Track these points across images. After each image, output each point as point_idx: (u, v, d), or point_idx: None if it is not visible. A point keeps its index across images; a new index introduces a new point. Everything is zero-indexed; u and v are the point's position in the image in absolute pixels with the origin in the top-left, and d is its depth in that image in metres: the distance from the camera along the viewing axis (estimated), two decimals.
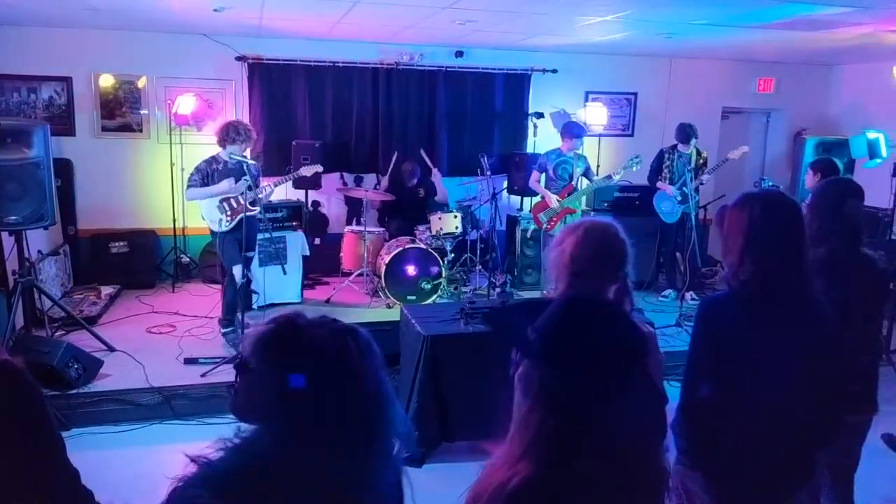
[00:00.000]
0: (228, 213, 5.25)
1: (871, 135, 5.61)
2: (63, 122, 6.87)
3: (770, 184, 6.14)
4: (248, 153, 5.57)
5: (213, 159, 5.30)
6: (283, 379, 1.12)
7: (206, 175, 5.24)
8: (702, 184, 6.71)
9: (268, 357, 1.17)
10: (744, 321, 2.05)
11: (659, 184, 6.90)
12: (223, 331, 5.51)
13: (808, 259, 2.03)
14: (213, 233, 5.42)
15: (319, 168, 6.10)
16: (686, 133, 6.75)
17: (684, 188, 6.62)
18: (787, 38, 6.18)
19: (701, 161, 6.87)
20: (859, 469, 3.14)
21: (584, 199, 6.81)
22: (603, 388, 1.23)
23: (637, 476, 1.28)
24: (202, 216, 5.40)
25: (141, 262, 7.02)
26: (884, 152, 5.60)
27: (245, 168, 5.08)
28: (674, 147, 6.88)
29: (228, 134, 5.19)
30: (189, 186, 5.30)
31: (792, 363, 1.98)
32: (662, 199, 6.89)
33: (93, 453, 3.82)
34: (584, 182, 6.68)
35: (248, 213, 5.15)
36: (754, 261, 1.99)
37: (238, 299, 5.34)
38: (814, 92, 8.78)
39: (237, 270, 5.29)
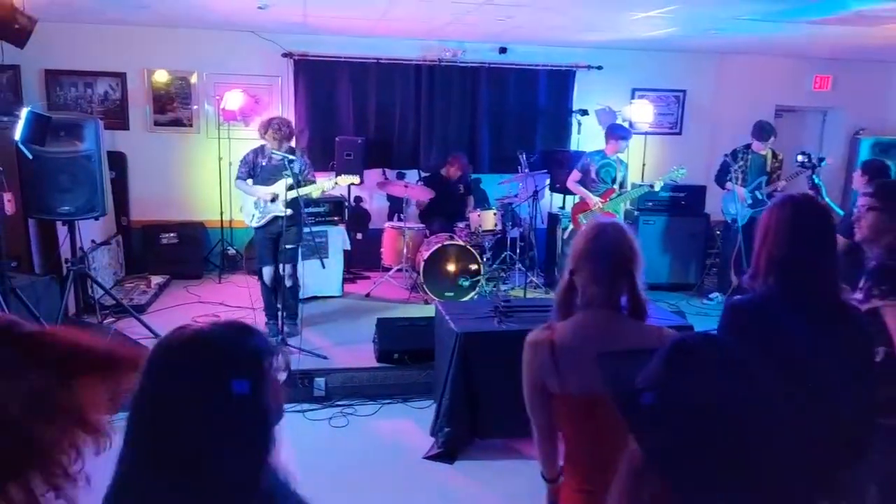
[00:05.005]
0: (261, 210, 5.27)
1: None
2: (117, 117, 7.10)
3: (825, 163, 5.75)
4: (292, 145, 5.49)
5: (261, 151, 5.28)
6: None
7: (252, 168, 5.28)
8: (777, 191, 6.22)
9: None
10: (774, 325, 2.00)
11: (729, 185, 6.48)
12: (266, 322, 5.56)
13: (836, 262, 1.96)
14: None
15: (356, 180, 5.86)
16: (764, 131, 6.37)
17: (757, 192, 6.33)
18: (842, 33, 5.94)
19: (777, 164, 6.49)
20: None
21: (623, 203, 6.57)
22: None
23: None
24: (240, 208, 5.51)
25: (189, 253, 7.21)
26: None
27: (286, 164, 4.99)
28: (748, 146, 6.49)
29: (279, 132, 5.10)
30: (237, 177, 5.37)
31: (826, 365, 1.93)
32: (730, 201, 6.51)
33: None
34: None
35: (277, 213, 5.11)
36: (781, 262, 1.94)
37: (273, 296, 5.42)
38: (873, 90, 8.44)
39: (267, 272, 5.36)
